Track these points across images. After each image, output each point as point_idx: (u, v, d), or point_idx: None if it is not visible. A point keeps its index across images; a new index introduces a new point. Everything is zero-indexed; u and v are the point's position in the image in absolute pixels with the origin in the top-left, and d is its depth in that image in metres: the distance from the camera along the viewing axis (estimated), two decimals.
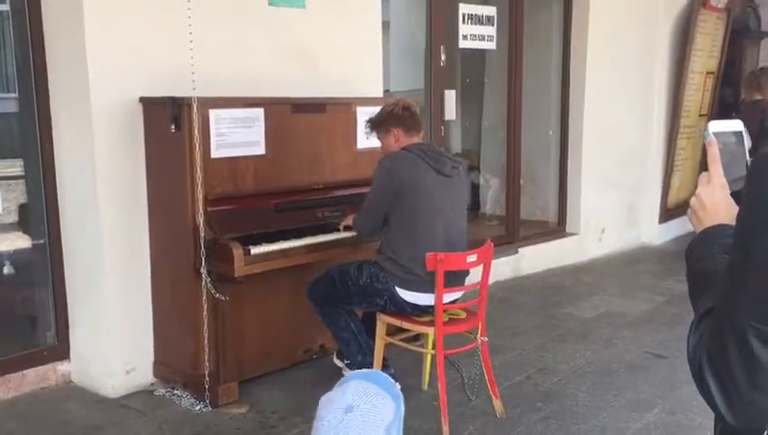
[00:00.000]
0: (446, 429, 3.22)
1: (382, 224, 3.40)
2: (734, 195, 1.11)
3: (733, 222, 1.04)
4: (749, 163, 1.12)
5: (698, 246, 1.14)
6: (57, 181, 3.71)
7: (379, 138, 3.56)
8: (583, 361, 4.19)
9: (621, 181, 6.90)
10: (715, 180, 1.14)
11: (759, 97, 5.88)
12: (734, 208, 1.04)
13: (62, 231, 3.74)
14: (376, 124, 3.54)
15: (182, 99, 3.36)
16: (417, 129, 3.51)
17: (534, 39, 6.39)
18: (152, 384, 3.76)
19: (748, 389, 0.96)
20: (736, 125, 1.18)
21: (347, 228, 3.69)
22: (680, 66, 6.99)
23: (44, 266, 3.78)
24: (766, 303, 0.94)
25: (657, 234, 7.19)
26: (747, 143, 1.17)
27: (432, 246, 3.25)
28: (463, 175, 3.61)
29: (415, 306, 3.37)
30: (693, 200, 1.17)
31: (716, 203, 1.14)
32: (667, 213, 7.21)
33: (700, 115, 7.33)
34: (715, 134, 1.15)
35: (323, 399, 1.47)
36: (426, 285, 3.29)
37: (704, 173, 1.17)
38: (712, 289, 1.04)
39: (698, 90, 7.25)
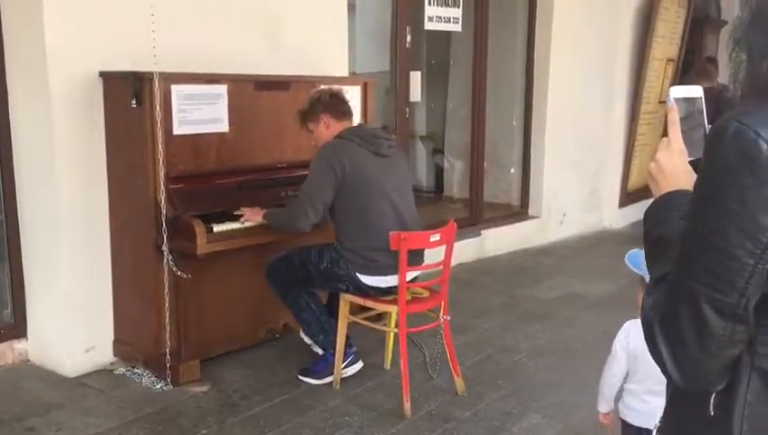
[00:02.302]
0: (407, 406, 3.25)
1: (324, 216, 3.36)
2: (693, 163, 1.12)
3: (691, 187, 1.05)
4: (707, 131, 1.13)
5: (656, 211, 1.15)
6: (14, 157, 3.62)
7: (310, 129, 3.52)
8: (544, 340, 4.26)
9: (583, 166, 6.99)
10: (674, 145, 1.15)
11: (708, 85, 6.00)
12: (693, 174, 1.06)
13: (18, 208, 3.67)
14: (305, 114, 3.51)
15: (143, 73, 3.30)
16: (347, 113, 3.50)
17: (500, 22, 6.41)
18: (112, 363, 3.72)
19: (697, 352, 0.98)
20: (697, 91, 1.18)
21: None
22: (641, 53, 7.08)
23: (1, 243, 3.70)
24: (718, 271, 0.96)
25: (617, 218, 7.31)
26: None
27: (386, 229, 3.26)
28: (400, 151, 3.62)
29: (377, 289, 3.39)
30: (652, 165, 1.18)
31: (675, 168, 1.14)
32: (628, 197, 7.33)
33: (660, 102, 7.45)
34: (676, 99, 1.15)
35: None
36: (387, 268, 3.30)
37: (663, 138, 1.17)
38: (668, 254, 1.05)
39: (659, 77, 7.36)
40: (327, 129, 3.46)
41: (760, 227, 0.92)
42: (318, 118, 3.47)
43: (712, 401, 1.03)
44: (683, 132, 1.15)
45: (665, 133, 1.18)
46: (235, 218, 3.49)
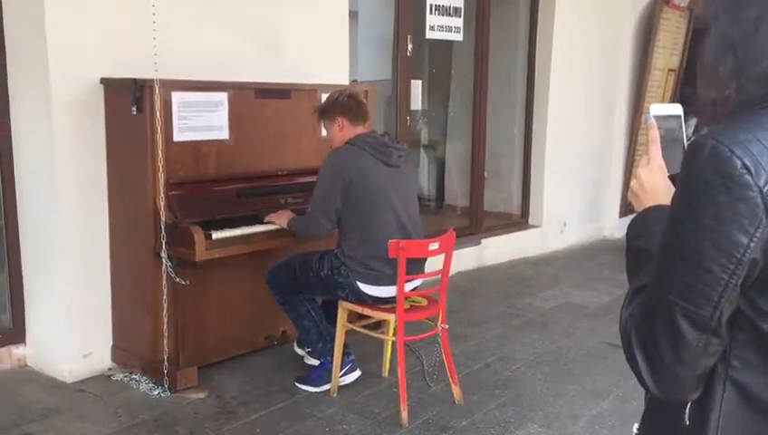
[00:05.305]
0: (404, 414, 3.25)
1: (336, 222, 3.38)
2: (673, 178, 1.14)
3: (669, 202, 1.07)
4: (686, 147, 1.15)
5: (637, 226, 1.17)
6: (14, 162, 3.64)
7: (324, 126, 3.55)
8: (542, 350, 4.26)
9: (583, 176, 7.00)
10: (654, 162, 1.17)
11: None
12: (672, 189, 1.08)
13: (18, 213, 3.68)
14: (322, 112, 3.53)
15: (144, 80, 3.32)
16: (363, 118, 3.50)
17: (501, 32, 6.43)
18: (110, 369, 3.72)
19: (672, 362, 1.01)
20: (676, 109, 1.20)
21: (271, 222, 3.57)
22: (643, 62, 7.10)
23: (0, 249, 3.71)
24: (693, 284, 0.98)
25: (617, 227, 7.30)
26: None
27: (389, 239, 3.25)
28: (408, 162, 3.63)
29: (376, 298, 3.39)
30: (633, 182, 1.21)
31: (655, 184, 1.17)
32: (628, 207, 7.32)
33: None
34: (656, 117, 1.18)
35: None
36: (387, 278, 3.30)
37: (644, 155, 1.20)
38: (646, 267, 1.08)
39: (660, 87, 7.37)
40: (341, 131, 3.46)
41: (734, 242, 0.95)
42: (333, 119, 3.48)
43: (688, 410, 1.06)
44: (663, 149, 1.17)
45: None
46: (236, 225, 3.49)
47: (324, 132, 3.68)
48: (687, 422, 1.05)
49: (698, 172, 0.97)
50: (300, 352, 3.89)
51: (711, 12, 1.06)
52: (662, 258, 1.02)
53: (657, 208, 1.14)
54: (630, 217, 1.23)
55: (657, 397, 1.06)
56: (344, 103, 3.45)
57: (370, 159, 3.35)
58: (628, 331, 1.06)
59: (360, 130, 3.47)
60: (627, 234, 1.19)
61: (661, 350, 1.01)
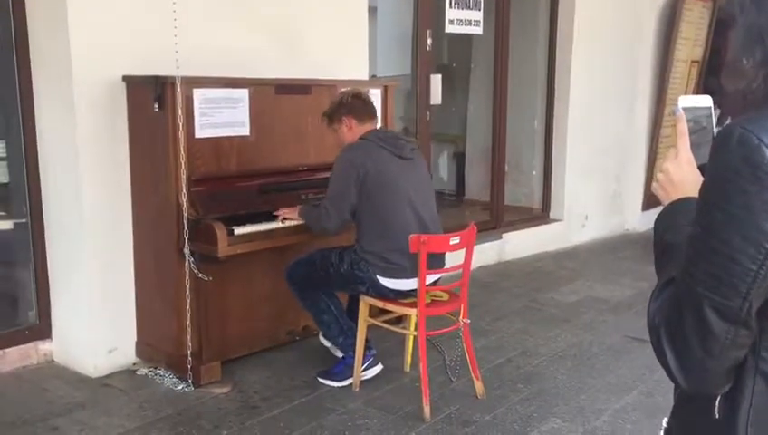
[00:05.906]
0: (427, 409, 3.25)
1: (351, 217, 3.39)
2: (702, 168, 1.12)
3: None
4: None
5: (665, 219, 1.16)
6: (39, 161, 3.68)
7: (334, 129, 3.56)
8: (564, 344, 4.23)
9: (605, 169, 6.94)
10: (682, 155, 1.16)
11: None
12: (701, 182, 1.06)
13: (44, 211, 3.72)
14: (330, 116, 3.55)
15: (166, 78, 3.34)
16: (370, 115, 3.52)
17: (521, 25, 6.39)
18: (134, 364, 3.76)
19: (701, 355, 0.99)
20: (705, 101, 1.18)
21: (286, 219, 3.58)
22: (665, 54, 7.02)
23: (26, 246, 3.75)
24: (721, 276, 0.96)
25: (640, 221, 7.25)
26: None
27: (406, 232, 3.26)
28: (421, 154, 3.63)
29: (397, 292, 3.39)
30: (660, 175, 1.19)
31: (683, 177, 1.15)
32: (651, 200, 7.25)
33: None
34: (685, 109, 1.16)
35: None
36: (407, 271, 3.30)
37: (671, 148, 1.18)
38: (674, 260, 1.06)
39: (683, 78, 7.29)
40: (349, 130, 3.49)
41: (763, 232, 0.93)
42: (340, 120, 3.50)
43: (717, 403, 1.04)
44: (691, 142, 1.15)
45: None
46: (258, 221, 3.51)
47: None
48: (717, 416, 1.04)
49: (726, 161, 0.96)
50: (326, 343, 3.88)
51: (737, 1, 1.04)
52: (690, 250, 1.01)
53: (685, 201, 1.13)
54: (654, 210, 1.22)
55: (686, 391, 1.04)
56: (349, 103, 3.48)
57: (384, 152, 3.36)
58: (657, 324, 1.04)
59: (368, 127, 3.49)
60: (654, 227, 1.18)
61: (690, 343, 0.99)
